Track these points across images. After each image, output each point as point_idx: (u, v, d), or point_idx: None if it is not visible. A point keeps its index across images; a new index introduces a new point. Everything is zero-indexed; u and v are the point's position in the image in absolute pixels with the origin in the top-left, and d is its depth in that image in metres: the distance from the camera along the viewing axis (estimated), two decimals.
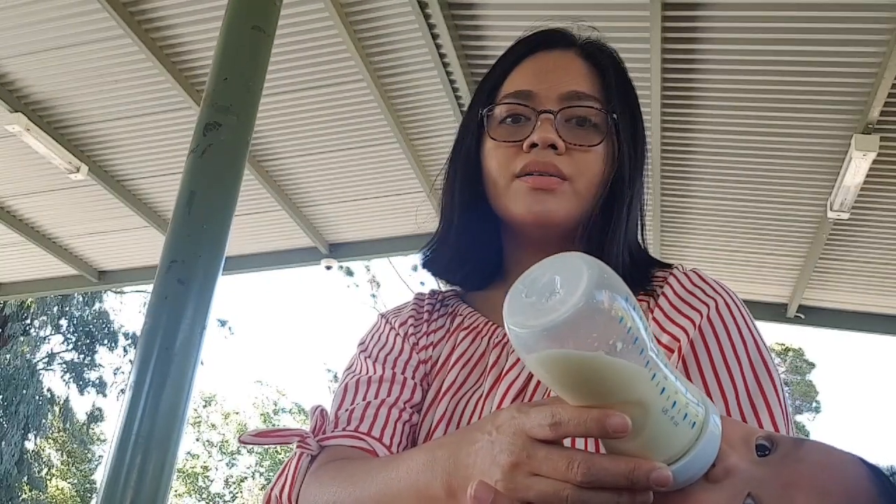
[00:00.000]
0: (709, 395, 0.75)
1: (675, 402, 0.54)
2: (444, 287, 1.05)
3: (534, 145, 0.86)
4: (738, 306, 0.84)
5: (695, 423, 0.55)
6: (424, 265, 0.99)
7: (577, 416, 0.53)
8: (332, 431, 0.86)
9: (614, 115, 0.89)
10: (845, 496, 0.56)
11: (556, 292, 0.52)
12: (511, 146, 0.88)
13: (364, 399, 0.89)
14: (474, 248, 0.95)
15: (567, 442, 0.56)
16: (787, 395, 0.81)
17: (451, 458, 0.63)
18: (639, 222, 0.94)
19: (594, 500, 0.53)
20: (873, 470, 0.58)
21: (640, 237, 0.95)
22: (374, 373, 0.92)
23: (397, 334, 0.96)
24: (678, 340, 0.80)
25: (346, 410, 0.88)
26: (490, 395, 0.86)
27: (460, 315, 0.97)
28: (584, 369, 0.52)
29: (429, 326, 0.97)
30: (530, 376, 0.84)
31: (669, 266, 0.92)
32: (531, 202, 0.86)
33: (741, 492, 0.55)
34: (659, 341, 0.81)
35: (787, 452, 0.58)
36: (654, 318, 0.84)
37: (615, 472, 0.52)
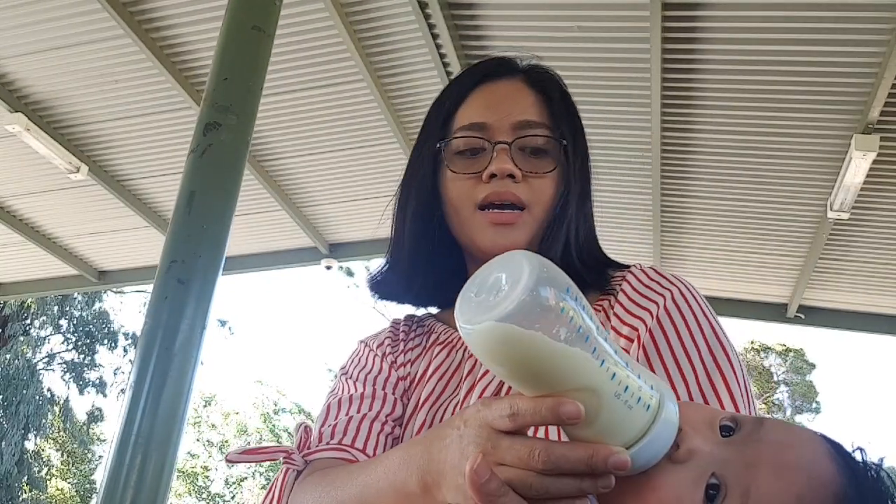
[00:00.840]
0: (669, 379, 0.78)
1: (627, 387, 0.55)
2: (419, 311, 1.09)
3: (493, 175, 0.91)
4: (692, 294, 0.87)
5: (649, 405, 0.56)
6: (373, 289, 1.03)
7: (532, 406, 0.55)
8: (317, 446, 0.89)
9: (564, 141, 0.95)
10: (805, 473, 0.57)
11: (501, 289, 0.55)
12: (470, 177, 0.93)
13: (347, 414, 0.92)
14: (429, 272, 0.99)
15: (532, 433, 0.58)
16: (746, 372, 0.82)
17: (424, 454, 0.65)
18: (592, 227, 0.99)
19: (556, 485, 0.55)
20: (834, 446, 0.59)
21: (595, 240, 0.99)
22: (356, 391, 0.95)
23: (375, 355, 1.00)
24: (637, 330, 0.84)
25: (330, 426, 0.91)
26: (465, 402, 0.89)
27: (435, 332, 1.02)
28: (531, 359, 0.54)
29: (405, 346, 1.02)
30: (502, 382, 0.87)
31: (627, 266, 0.96)
32: (494, 236, 0.91)
33: (705, 472, 0.57)
34: (619, 334, 0.85)
35: (750, 432, 0.59)
36: (614, 314, 0.87)
37: (574, 458, 0.55)
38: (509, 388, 0.84)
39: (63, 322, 17.23)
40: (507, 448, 0.56)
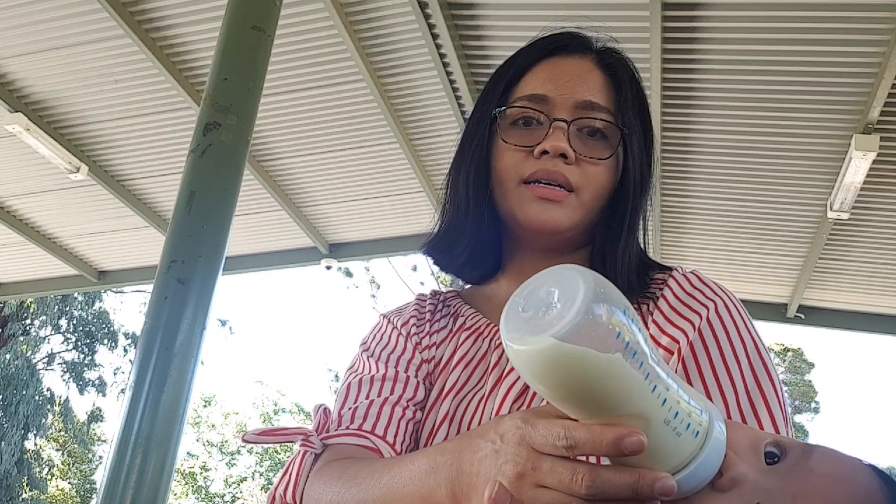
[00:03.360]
0: (708, 396, 0.75)
1: (677, 413, 0.53)
2: (443, 286, 1.05)
3: (544, 153, 0.87)
4: (737, 308, 0.85)
5: (698, 431, 0.54)
6: (428, 253, 0.99)
7: (591, 438, 0.52)
8: (336, 430, 0.86)
9: (626, 130, 0.90)
10: None
11: (552, 306, 0.51)
12: (521, 150, 0.89)
13: (367, 398, 0.89)
14: (479, 243, 0.95)
15: None
16: (786, 396, 0.81)
17: (453, 465, 0.63)
18: (642, 228, 0.95)
19: None
20: (885, 479, 0.58)
21: (642, 241, 0.95)
22: (377, 371, 0.92)
23: (399, 333, 0.96)
24: (677, 342, 0.81)
25: (350, 409, 0.88)
26: (491, 395, 0.86)
27: (462, 316, 0.98)
28: (580, 383, 0.51)
29: (431, 326, 0.97)
30: None
31: (669, 268, 0.92)
32: (537, 211, 0.87)
33: (749, 502, 0.55)
34: (658, 343, 0.81)
35: (797, 461, 0.57)
36: (653, 321, 0.84)
37: (619, 483, 0.52)
38: None
39: (63, 322, 17.22)
40: (549, 471, 0.54)
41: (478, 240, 0.94)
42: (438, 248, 0.97)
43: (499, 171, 0.90)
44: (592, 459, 0.57)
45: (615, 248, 0.89)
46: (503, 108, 0.91)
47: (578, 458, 0.55)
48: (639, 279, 0.90)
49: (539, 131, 0.89)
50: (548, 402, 0.55)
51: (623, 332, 0.51)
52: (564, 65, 0.92)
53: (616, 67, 0.93)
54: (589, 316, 0.50)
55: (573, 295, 0.51)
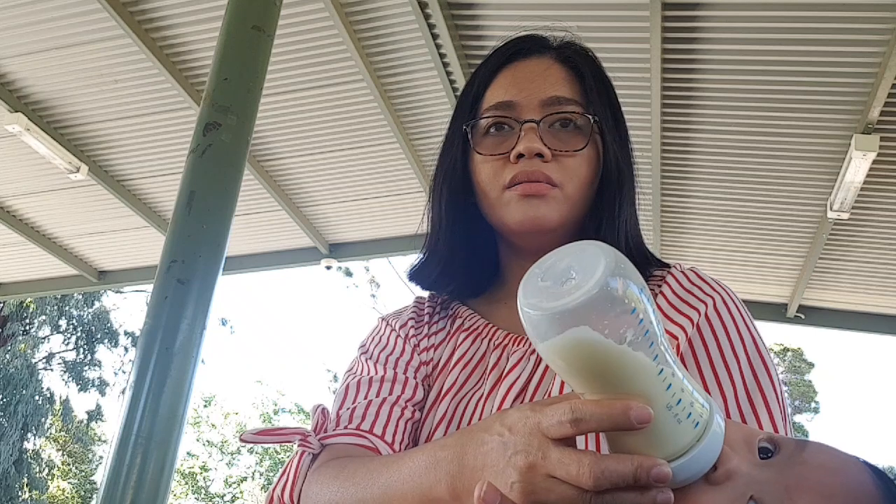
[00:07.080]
0: (707, 393, 0.75)
1: (679, 400, 0.53)
2: None
3: (520, 156, 0.87)
4: (735, 304, 0.85)
5: (698, 422, 0.54)
6: (412, 279, 0.99)
7: (598, 411, 0.52)
8: (334, 430, 0.86)
9: (596, 118, 0.90)
10: (849, 499, 0.55)
11: (571, 278, 0.52)
12: (498, 159, 0.89)
13: (365, 398, 0.89)
14: (466, 260, 0.96)
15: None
16: (785, 393, 0.80)
17: (454, 459, 0.62)
18: (636, 220, 0.94)
19: (615, 502, 0.53)
20: (877, 473, 0.58)
21: (639, 235, 0.95)
22: (376, 373, 0.92)
23: (398, 336, 0.96)
24: (676, 338, 0.80)
25: (348, 409, 0.88)
26: (490, 396, 0.86)
27: (460, 317, 0.98)
28: (591, 357, 0.51)
29: (429, 329, 0.97)
30: (530, 378, 0.84)
31: (667, 265, 0.92)
32: (525, 209, 0.87)
33: (743, 494, 0.55)
34: None
35: (790, 455, 0.57)
36: None
37: (623, 471, 0.52)
38: (537, 385, 0.83)
39: (63, 322, 17.22)
40: (558, 461, 0.53)
41: (466, 256, 0.95)
42: (427, 273, 0.98)
43: (480, 185, 0.91)
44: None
45: (605, 239, 0.88)
46: (472, 121, 0.92)
47: (583, 450, 0.54)
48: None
49: (511, 136, 0.89)
50: (549, 396, 0.54)
51: (638, 310, 0.51)
52: (524, 67, 0.93)
53: (576, 60, 0.94)
54: (606, 289, 0.50)
55: (593, 268, 0.51)
